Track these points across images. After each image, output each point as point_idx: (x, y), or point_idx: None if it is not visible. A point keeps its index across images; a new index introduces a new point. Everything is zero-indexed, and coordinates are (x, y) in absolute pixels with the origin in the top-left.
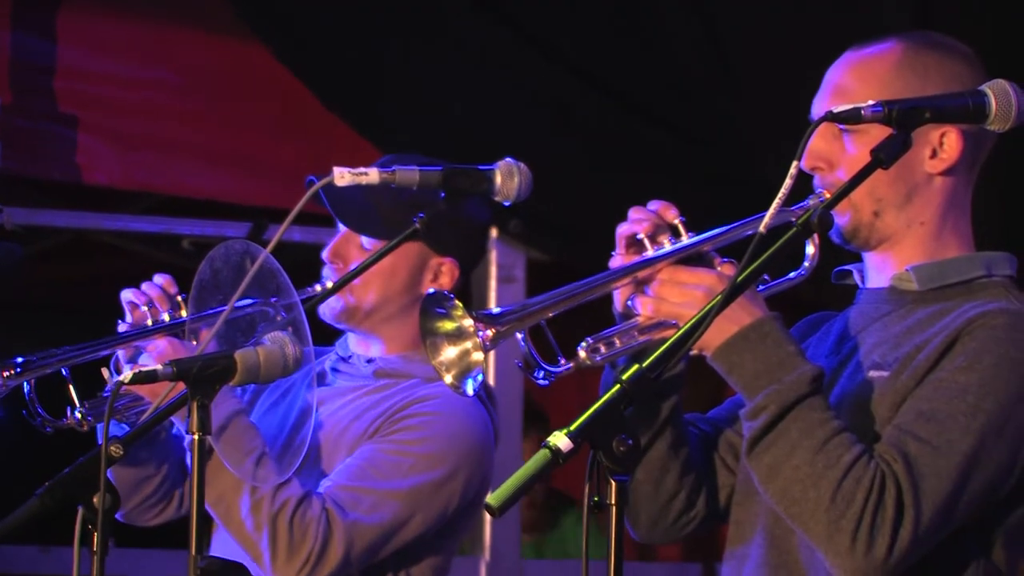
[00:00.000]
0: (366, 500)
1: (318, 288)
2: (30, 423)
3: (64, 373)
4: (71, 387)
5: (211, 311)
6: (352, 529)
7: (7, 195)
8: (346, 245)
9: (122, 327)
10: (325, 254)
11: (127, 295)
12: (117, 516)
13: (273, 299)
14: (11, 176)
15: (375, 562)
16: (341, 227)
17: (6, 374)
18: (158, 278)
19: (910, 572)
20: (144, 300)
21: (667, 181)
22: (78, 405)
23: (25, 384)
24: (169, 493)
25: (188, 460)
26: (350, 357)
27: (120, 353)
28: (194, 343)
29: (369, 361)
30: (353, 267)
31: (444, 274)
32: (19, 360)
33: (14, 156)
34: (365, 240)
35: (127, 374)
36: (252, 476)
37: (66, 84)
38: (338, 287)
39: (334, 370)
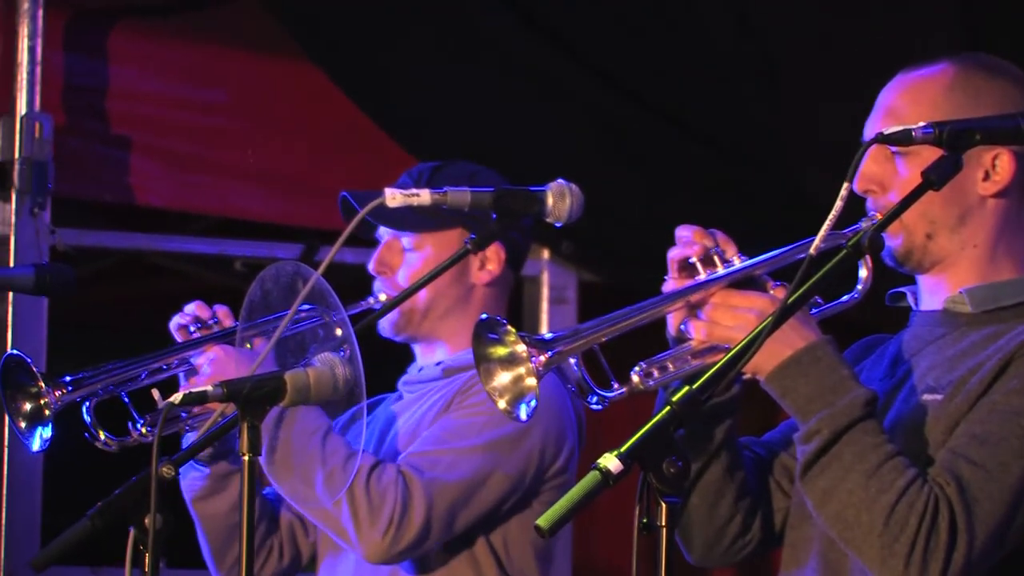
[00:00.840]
0: (443, 460)
1: (371, 301)
2: (93, 445)
3: (122, 395)
4: (129, 405)
5: (263, 319)
6: (431, 487)
7: (60, 217)
8: (389, 253)
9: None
10: (371, 267)
11: (174, 322)
12: (215, 575)
13: (326, 313)
14: (63, 198)
15: (466, 531)
16: (380, 237)
17: (58, 392)
18: (191, 306)
19: None
20: (190, 320)
21: (721, 203)
22: (140, 419)
23: (85, 407)
24: (264, 543)
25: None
26: (420, 370)
27: (181, 374)
28: (248, 347)
29: (438, 364)
30: (401, 272)
31: (491, 259)
32: (67, 379)
33: (67, 177)
34: (406, 240)
35: (177, 396)
36: (322, 451)
37: (118, 105)
38: (398, 301)
39: (406, 385)
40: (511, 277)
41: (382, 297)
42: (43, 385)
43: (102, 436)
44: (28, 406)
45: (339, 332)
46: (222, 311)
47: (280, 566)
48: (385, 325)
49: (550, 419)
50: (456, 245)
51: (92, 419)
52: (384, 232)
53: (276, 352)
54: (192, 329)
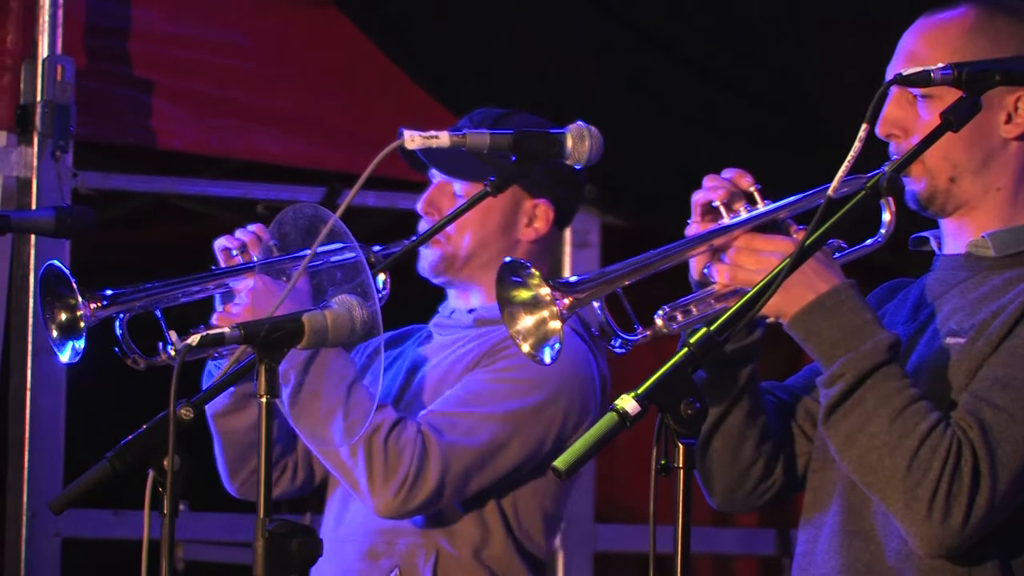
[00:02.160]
0: (463, 423)
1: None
2: (122, 361)
3: (156, 312)
4: (163, 324)
5: (292, 255)
6: (448, 451)
7: (82, 160)
8: (439, 195)
9: None
10: (420, 205)
11: (221, 242)
12: (232, 492)
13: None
14: (86, 141)
15: (478, 493)
16: (434, 178)
17: (94, 305)
18: (251, 226)
19: (988, 541)
20: (237, 245)
21: (743, 147)
22: (169, 340)
23: (116, 322)
24: (280, 461)
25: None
26: (452, 313)
27: (217, 296)
28: (284, 280)
29: (470, 311)
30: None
31: (539, 217)
32: (107, 292)
33: (89, 121)
34: (458, 187)
35: (195, 338)
36: (346, 402)
37: (141, 48)
38: (431, 234)
39: (436, 327)
40: (557, 238)
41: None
42: (80, 298)
43: (131, 353)
44: (64, 316)
45: (358, 274)
46: (264, 232)
47: (293, 485)
48: (424, 265)
49: (574, 390)
50: (510, 200)
51: (124, 334)
52: (437, 174)
53: (312, 288)
54: (235, 253)
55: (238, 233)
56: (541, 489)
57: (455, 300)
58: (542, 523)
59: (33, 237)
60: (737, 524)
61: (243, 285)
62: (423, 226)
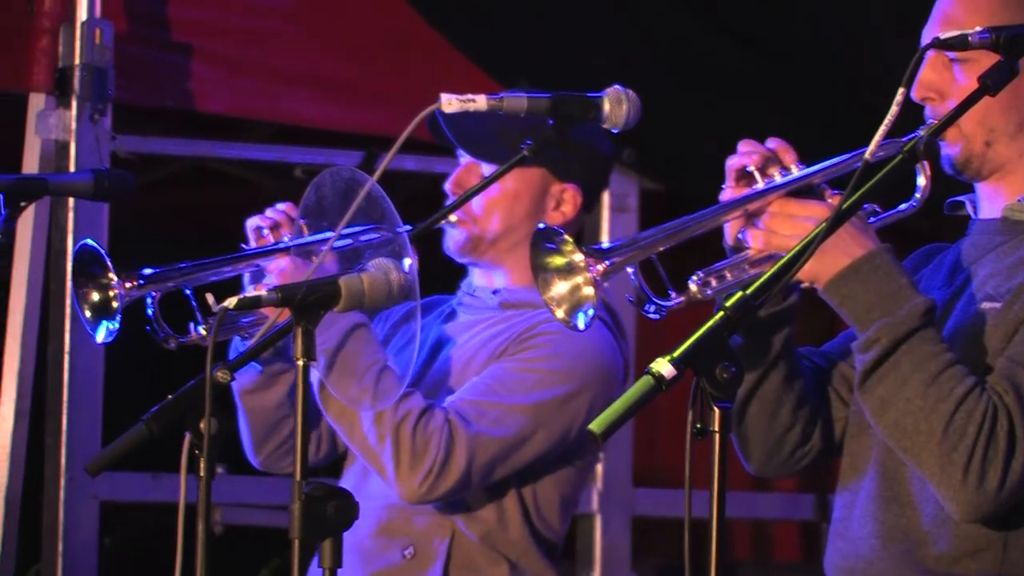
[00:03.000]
0: (490, 413)
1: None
2: (154, 339)
3: (187, 291)
4: (194, 303)
5: (323, 236)
6: (475, 441)
7: (120, 123)
8: (467, 175)
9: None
10: (447, 185)
11: (253, 221)
12: (256, 464)
13: (382, 226)
14: (124, 104)
15: (500, 480)
16: (462, 158)
17: (129, 285)
18: (280, 205)
19: (1020, 504)
20: (269, 223)
21: (779, 111)
22: (200, 321)
23: (149, 300)
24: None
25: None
26: (475, 291)
27: (247, 275)
28: (313, 260)
29: (495, 292)
30: (476, 197)
31: (567, 201)
32: (145, 272)
33: (128, 85)
34: (486, 168)
35: (232, 300)
36: (374, 388)
37: (179, 12)
38: (453, 208)
39: (460, 305)
40: (583, 221)
41: (452, 218)
42: (114, 278)
43: (163, 332)
44: (97, 297)
45: (395, 238)
46: (296, 213)
47: (316, 458)
48: (451, 244)
49: (600, 381)
50: (538, 183)
51: (156, 313)
52: (465, 156)
53: (341, 263)
54: (265, 232)
55: (268, 212)
56: (562, 477)
57: (479, 279)
58: (560, 509)
59: (72, 200)
60: (776, 489)
61: (274, 265)
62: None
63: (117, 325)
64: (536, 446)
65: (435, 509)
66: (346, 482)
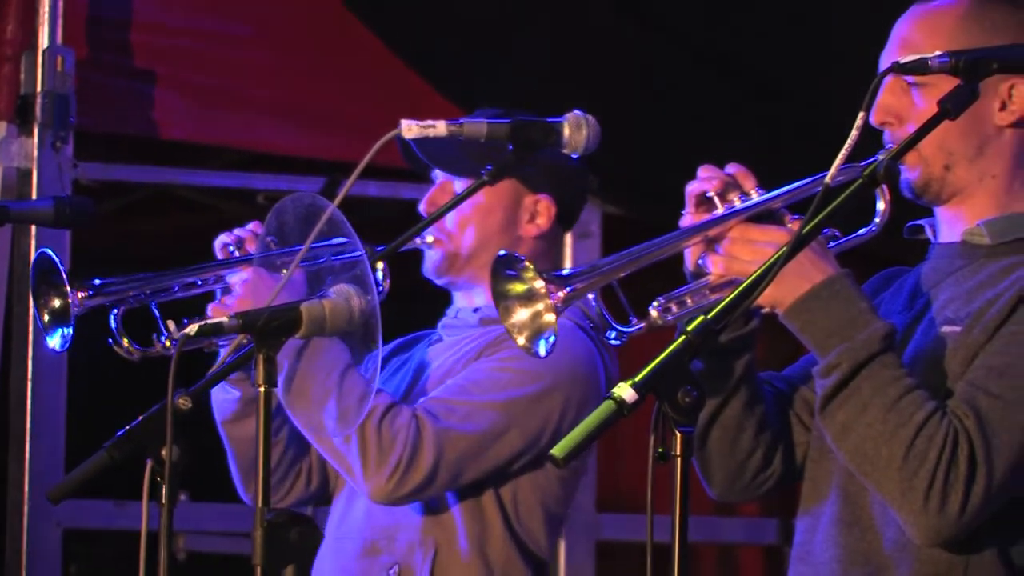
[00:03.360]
0: (460, 410)
1: (417, 242)
2: (116, 352)
3: (152, 306)
4: (157, 316)
5: (289, 249)
6: (443, 436)
7: (83, 151)
8: (441, 194)
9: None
10: (422, 206)
11: (221, 239)
12: (245, 499)
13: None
14: (86, 132)
15: (475, 483)
16: (435, 178)
17: (82, 294)
18: (249, 224)
19: (986, 529)
20: (234, 240)
21: (745, 137)
22: (164, 332)
23: (112, 315)
24: (294, 466)
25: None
26: (458, 314)
27: (219, 292)
28: (283, 273)
29: (475, 311)
30: (449, 215)
31: (540, 213)
32: (95, 281)
33: (89, 111)
34: (459, 185)
35: (192, 327)
36: (338, 388)
37: (141, 38)
38: (427, 224)
39: (444, 328)
40: (560, 234)
41: (429, 239)
42: (68, 287)
43: (125, 343)
44: (56, 304)
45: (356, 264)
46: (255, 224)
47: (308, 491)
48: (429, 267)
49: (574, 383)
50: (510, 196)
51: (118, 326)
52: (439, 174)
53: (308, 281)
54: (232, 249)
55: (236, 231)
56: (541, 485)
57: (460, 300)
58: (544, 521)
59: (33, 228)
60: (740, 513)
61: (238, 278)
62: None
63: (71, 332)
64: (508, 444)
65: (417, 525)
66: (335, 508)
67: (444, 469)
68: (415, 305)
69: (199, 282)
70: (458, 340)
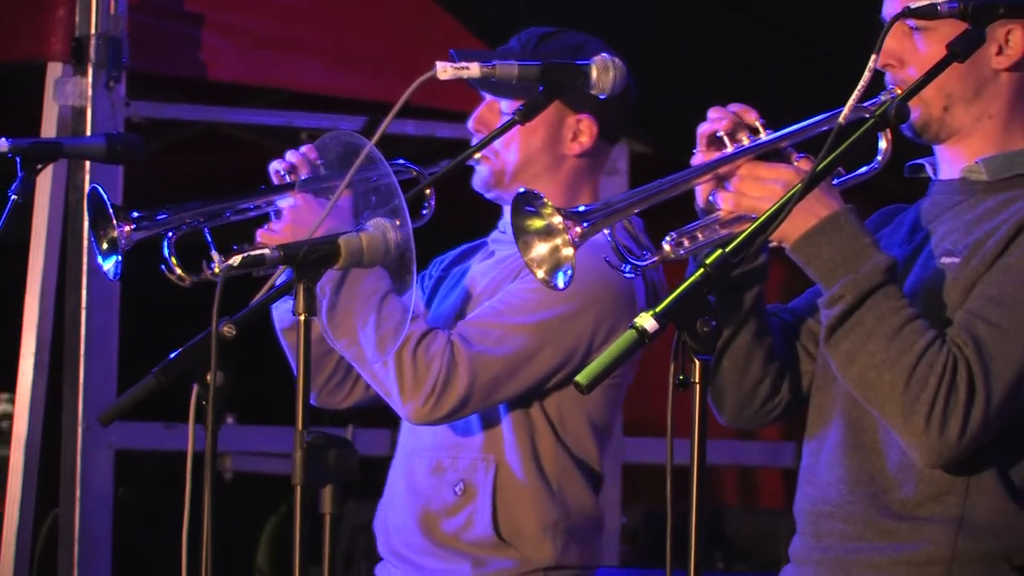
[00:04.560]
0: (493, 333)
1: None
2: (168, 277)
3: (205, 231)
4: (210, 242)
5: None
6: (477, 360)
7: (135, 90)
8: (489, 113)
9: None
10: (470, 123)
11: (274, 165)
12: (312, 402)
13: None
14: (138, 72)
15: (507, 397)
16: (485, 96)
17: (128, 228)
18: (303, 147)
19: (985, 450)
20: (286, 166)
21: (761, 79)
22: (215, 259)
23: (164, 241)
24: (352, 370)
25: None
26: (505, 228)
27: (272, 213)
28: (327, 197)
29: None
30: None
31: (583, 132)
32: (134, 214)
33: (141, 54)
34: (504, 104)
35: (235, 259)
36: (377, 314)
37: None
38: (471, 153)
39: (495, 242)
40: (606, 150)
41: (477, 156)
42: (115, 220)
43: (178, 271)
44: (111, 235)
45: (392, 198)
46: (313, 155)
47: (367, 394)
48: (477, 181)
49: (607, 301)
50: (554, 116)
51: (171, 251)
52: (486, 94)
53: (354, 206)
54: (284, 175)
55: (288, 155)
56: (580, 397)
57: (508, 215)
58: (590, 431)
59: (87, 163)
60: (759, 438)
61: (287, 203)
62: (475, 143)
63: (119, 260)
64: (541, 364)
65: (478, 445)
66: (404, 430)
67: (478, 391)
68: (445, 234)
69: (251, 207)
70: (506, 256)
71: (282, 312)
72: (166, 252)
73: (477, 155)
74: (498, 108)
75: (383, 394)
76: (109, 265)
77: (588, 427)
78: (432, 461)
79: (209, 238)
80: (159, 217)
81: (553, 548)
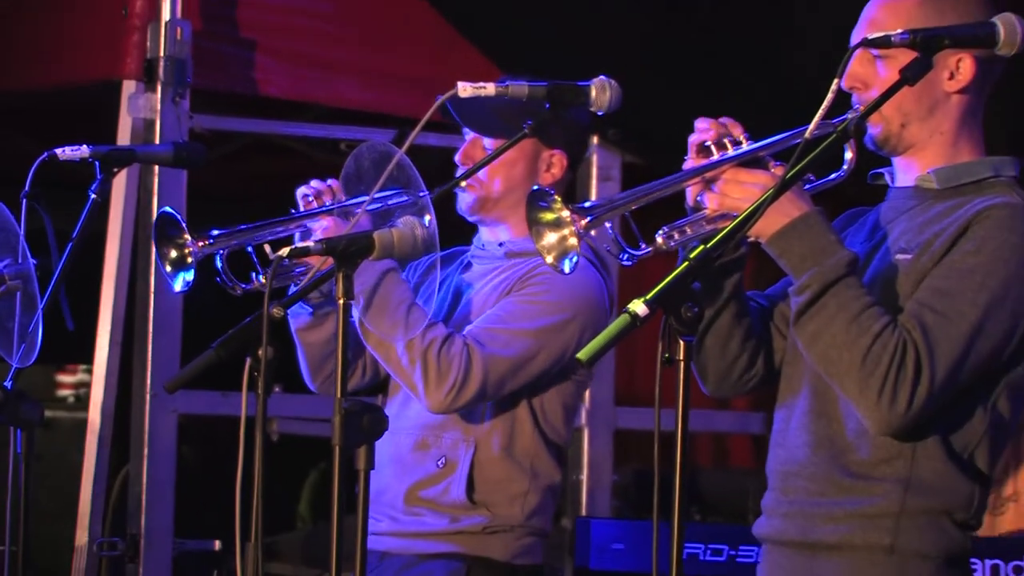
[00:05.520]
0: (501, 338)
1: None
2: (223, 288)
3: (248, 249)
4: (254, 258)
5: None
6: (488, 360)
7: (197, 105)
8: (472, 148)
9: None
10: (457, 157)
11: (301, 190)
12: (312, 388)
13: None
14: (200, 89)
15: (511, 393)
16: (468, 134)
17: (201, 244)
18: (329, 180)
19: (930, 421)
20: (313, 192)
21: (740, 98)
22: (260, 271)
23: (218, 256)
24: (352, 363)
25: (360, 334)
26: (485, 246)
27: (297, 235)
28: (351, 219)
29: (500, 244)
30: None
31: (555, 164)
32: (213, 232)
33: (203, 73)
34: (487, 142)
35: (286, 249)
36: (405, 321)
37: (246, 13)
38: (467, 176)
39: (474, 257)
40: (570, 178)
41: (463, 184)
42: (188, 237)
43: (230, 281)
44: (174, 254)
45: (420, 201)
46: (336, 185)
47: (362, 381)
48: (462, 206)
49: (590, 310)
50: (529, 153)
51: (224, 266)
52: (469, 132)
53: (371, 219)
54: (311, 198)
55: (313, 183)
56: (564, 389)
57: (487, 235)
58: (563, 415)
59: (156, 168)
60: (731, 407)
61: (318, 225)
62: (459, 173)
63: (192, 276)
64: (539, 363)
65: (459, 426)
66: (389, 410)
67: (490, 386)
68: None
69: (287, 230)
70: (489, 270)
71: (297, 315)
72: (219, 266)
73: (463, 183)
74: (481, 144)
75: (407, 387)
76: (179, 283)
77: (563, 413)
78: (418, 438)
79: (253, 255)
80: (222, 235)
81: (521, 512)
